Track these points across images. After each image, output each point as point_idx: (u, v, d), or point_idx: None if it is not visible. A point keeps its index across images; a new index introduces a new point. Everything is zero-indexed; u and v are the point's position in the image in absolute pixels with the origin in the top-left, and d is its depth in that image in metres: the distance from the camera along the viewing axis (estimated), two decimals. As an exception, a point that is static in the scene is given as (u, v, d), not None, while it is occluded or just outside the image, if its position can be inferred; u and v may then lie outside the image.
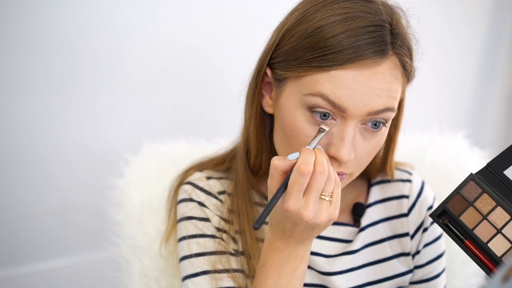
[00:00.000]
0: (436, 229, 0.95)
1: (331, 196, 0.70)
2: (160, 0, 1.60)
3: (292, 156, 0.70)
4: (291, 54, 0.76)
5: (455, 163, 1.23)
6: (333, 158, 0.75)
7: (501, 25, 2.06)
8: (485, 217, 0.75)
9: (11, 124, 1.57)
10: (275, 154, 0.87)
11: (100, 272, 1.30)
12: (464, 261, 1.18)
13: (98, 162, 1.65)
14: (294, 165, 0.69)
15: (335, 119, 0.74)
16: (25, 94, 1.54)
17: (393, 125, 0.88)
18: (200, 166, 0.96)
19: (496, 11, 2.04)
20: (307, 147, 0.70)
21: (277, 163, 0.70)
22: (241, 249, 0.87)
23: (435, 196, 0.99)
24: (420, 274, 0.94)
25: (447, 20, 1.96)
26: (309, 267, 0.89)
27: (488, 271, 0.73)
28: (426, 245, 0.94)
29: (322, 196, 0.69)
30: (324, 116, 0.74)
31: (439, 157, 1.23)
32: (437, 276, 0.95)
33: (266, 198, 0.92)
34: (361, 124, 0.75)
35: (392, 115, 0.76)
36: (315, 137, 0.73)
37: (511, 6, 2.03)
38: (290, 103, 0.76)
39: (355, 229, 0.92)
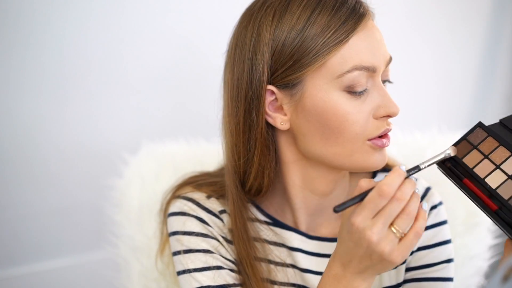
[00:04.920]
0: (445, 232, 0.91)
1: (404, 234, 0.65)
2: (160, 0, 1.59)
3: (379, 178, 0.70)
4: (300, 50, 0.74)
5: (454, 163, 1.22)
6: (385, 118, 0.77)
7: (501, 25, 2.05)
8: (486, 156, 0.73)
9: (10, 124, 1.57)
10: (280, 166, 0.84)
11: (99, 273, 1.30)
12: (464, 261, 1.18)
13: (97, 162, 1.65)
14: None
15: (367, 87, 0.76)
16: (24, 94, 1.54)
17: None
18: (196, 185, 0.93)
19: (496, 11, 2.03)
20: (401, 167, 0.67)
21: (363, 185, 0.68)
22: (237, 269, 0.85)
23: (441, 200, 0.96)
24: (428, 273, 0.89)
25: (447, 20, 1.96)
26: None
27: (487, 208, 0.70)
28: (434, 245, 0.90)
29: (393, 228, 0.65)
30: (361, 92, 0.75)
31: (438, 157, 1.23)
32: (446, 279, 0.89)
33: (268, 216, 0.90)
34: None
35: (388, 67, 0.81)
36: (430, 160, 0.72)
37: (511, 6, 2.03)
38: (322, 96, 0.75)
39: None
